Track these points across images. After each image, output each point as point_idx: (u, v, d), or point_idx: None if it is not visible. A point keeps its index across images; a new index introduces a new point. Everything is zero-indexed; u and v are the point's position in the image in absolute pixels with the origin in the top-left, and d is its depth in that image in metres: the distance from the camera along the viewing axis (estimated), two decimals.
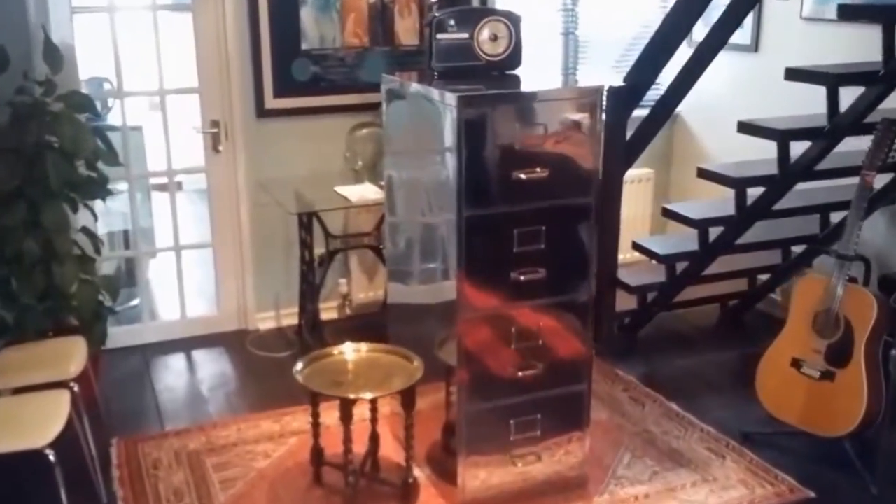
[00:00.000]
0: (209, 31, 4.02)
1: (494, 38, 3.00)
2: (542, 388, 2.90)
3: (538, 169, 2.71)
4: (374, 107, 4.20)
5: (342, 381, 2.88)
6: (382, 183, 4.12)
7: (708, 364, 4.09)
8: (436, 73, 2.99)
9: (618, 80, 3.79)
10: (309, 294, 4.14)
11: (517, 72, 3.06)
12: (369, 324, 4.36)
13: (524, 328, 2.84)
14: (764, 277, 4.31)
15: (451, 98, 2.61)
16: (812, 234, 3.94)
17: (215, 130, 4.14)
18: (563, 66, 4.90)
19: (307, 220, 3.97)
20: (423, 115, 2.84)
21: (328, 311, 4.47)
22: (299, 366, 2.92)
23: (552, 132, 2.72)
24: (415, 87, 2.89)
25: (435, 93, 2.73)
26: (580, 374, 2.96)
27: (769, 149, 3.46)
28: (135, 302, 4.56)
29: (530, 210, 2.74)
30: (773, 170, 3.46)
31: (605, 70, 5.00)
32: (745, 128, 3.35)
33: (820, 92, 3.28)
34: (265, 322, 4.44)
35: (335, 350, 3.04)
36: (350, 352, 3.04)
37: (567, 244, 2.83)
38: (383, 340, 3.12)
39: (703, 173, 3.58)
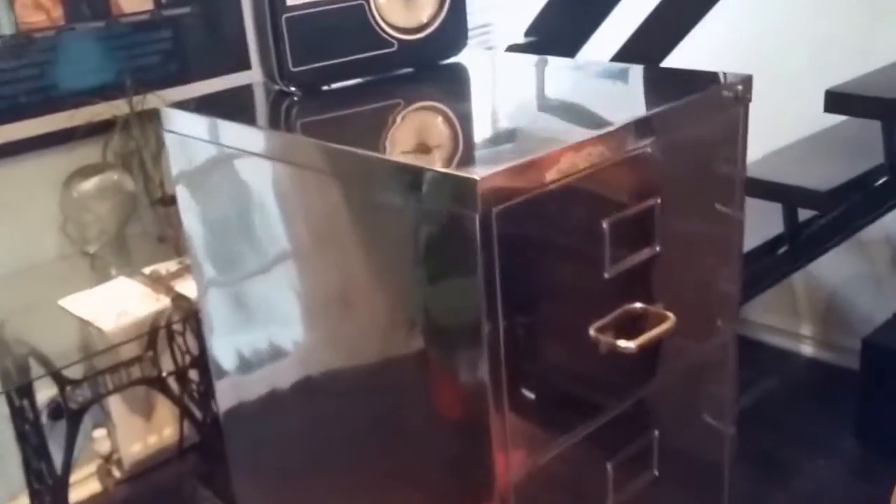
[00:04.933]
0: None
1: None
2: None
3: (652, 307, 1.08)
4: (102, 129, 2.31)
5: None
6: (147, 270, 2.30)
7: None
8: (293, 88, 1.24)
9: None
10: (41, 476, 2.27)
11: (461, 59, 1.39)
12: (158, 491, 2.61)
13: None
14: None
15: (455, 185, 0.89)
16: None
17: None
18: None
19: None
20: (323, 215, 1.09)
21: (83, 485, 2.61)
22: None
23: (671, 210, 1.10)
24: (276, 139, 1.11)
25: (364, 160, 0.99)
26: None
27: None
28: None
29: (634, 412, 1.12)
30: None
31: None
32: (835, 99, 1.91)
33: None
34: None
35: None
36: None
37: (693, 443, 1.26)
38: None
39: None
